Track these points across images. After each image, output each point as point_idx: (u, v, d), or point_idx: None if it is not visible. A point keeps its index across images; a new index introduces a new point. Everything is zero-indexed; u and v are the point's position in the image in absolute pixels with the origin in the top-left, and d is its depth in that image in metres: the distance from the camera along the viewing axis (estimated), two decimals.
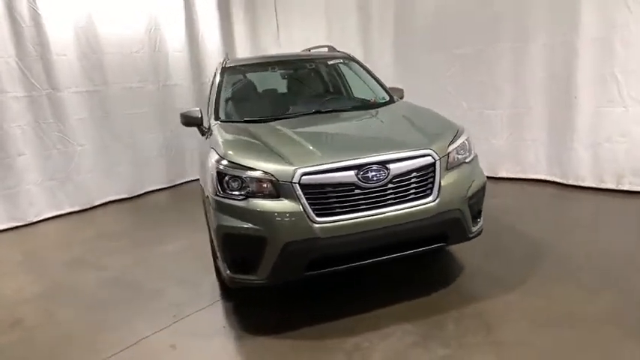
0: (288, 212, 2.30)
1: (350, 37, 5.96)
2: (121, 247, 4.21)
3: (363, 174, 2.36)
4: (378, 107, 3.43)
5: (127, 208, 5.65)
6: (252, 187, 2.39)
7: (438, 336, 2.33)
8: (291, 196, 2.32)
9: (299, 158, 2.43)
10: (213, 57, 6.75)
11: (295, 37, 6.86)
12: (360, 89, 3.90)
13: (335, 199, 2.34)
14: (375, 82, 3.83)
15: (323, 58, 4.14)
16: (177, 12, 6.30)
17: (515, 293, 2.69)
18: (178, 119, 6.25)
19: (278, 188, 2.35)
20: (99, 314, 3.01)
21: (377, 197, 2.39)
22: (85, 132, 5.59)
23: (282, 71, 4.01)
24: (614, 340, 2.18)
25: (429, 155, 2.49)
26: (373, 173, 2.37)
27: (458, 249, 3.29)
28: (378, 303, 2.70)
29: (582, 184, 4.38)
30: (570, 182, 4.47)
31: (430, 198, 2.46)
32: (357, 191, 2.36)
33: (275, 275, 2.38)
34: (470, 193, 2.60)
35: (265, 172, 2.37)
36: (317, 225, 2.30)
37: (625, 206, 3.97)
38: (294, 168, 2.35)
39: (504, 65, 4.69)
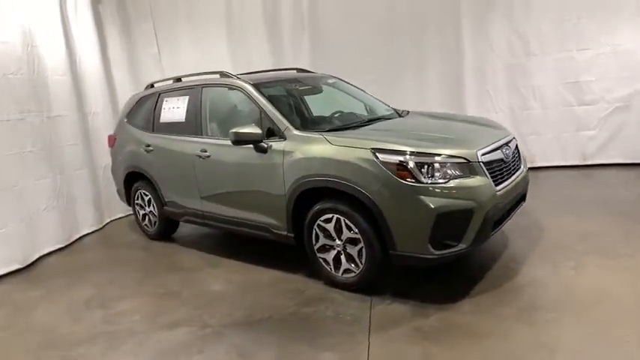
0: (484, 185, 2.84)
1: (259, 62, 6.20)
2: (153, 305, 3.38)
3: (505, 151, 3.13)
4: (406, 116, 4.13)
5: (39, 278, 4.21)
6: (450, 169, 2.80)
7: (562, 264, 3.26)
8: (479, 172, 2.86)
9: (463, 144, 2.98)
10: (94, 83, 5.73)
11: (183, 60, 6.55)
12: (358, 104, 4.44)
13: (497, 172, 3.01)
14: (375, 99, 4.51)
15: (321, 78, 4.50)
16: (54, 27, 5.12)
17: (557, 230, 3.86)
18: (67, 159, 5.26)
19: (467, 167, 2.84)
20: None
21: (510, 168, 3.19)
22: None
23: (302, 88, 4.16)
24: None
25: (514, 138, 3.48)
26: (509, 150, 3.18)
27: None
28: (485, 266, 3.39)
29: None
30: None
31: (522, 167, 3.44)
32: (502, 165, 3.10)
33: (476, 241, 2.83)
34: None
35: (458, 156, 2.83)
36: (497, 192, 2.92)
37: None
38: (475, 150, 2.90)
39: (410, 88, 6.09)
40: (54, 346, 2.97)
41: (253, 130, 3.41)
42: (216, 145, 3.88)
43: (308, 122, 3.69)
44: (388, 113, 4.19)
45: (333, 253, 3.22)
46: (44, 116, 4.89)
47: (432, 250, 2.77)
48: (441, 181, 2.77)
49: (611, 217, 3.96)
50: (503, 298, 2.89)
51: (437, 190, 2.74)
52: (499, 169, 3.04)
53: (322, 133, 3.26)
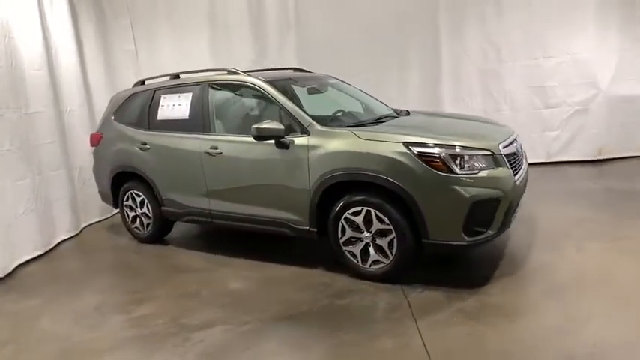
0: (507, 176, 3.07)
1: (243, 63, 6.13)
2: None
3: (517, 146, 3.40)
4: (412, 115, 4.28)
5: (26, 287, 3.90)
6: (478, 162, 2.99)
7: (565, 248, 3.57)
8: (503, 164, 3.09)
9: (486, 138, 3.20)
10: (70, 78, 5.36)
11: (162, 58, 6.34)
12: (363, 103, 4.55)
13: (511, 164, 3.26)
14: (374, 98, 4.66)
15: (322, 78, 4.57)
16: (30, 18, 4.75)
17: (550, 220, 4.22)
18: (45, 158, 4.96)
19: (493, 160, 3.05)
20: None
21: (520, 161, 3.46)
22: None
23: (308, 87, 4.20)
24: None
25: (517, 135, 3.77)
26: (518, 145, 3.45)
27: None
28: (495, 255, 3.64)
29: None
30: None
31: (524, 161, 3.74)
32: (515, 158, 3.36)
33: (502, 227, 3.05)
34: None
35: (485, 149, 3.04)
36: (516, 183, 3.17)
37: None
38: (497, 143, 3.13)
39: (392, 88, 6.31)
40: (76, 354, 2.79)
41: (276, 125, 3.43)
42: (230, 142, 3.83)
43: (325, 119, 3.75)
44: (390, 112, 4.35)
45: (361, 245, 3.30)
46: (22, 112, 4.54)
47: (465, 237, 2.96)
48: (472, 172, 2.96)
49: (591, 207, 4.41)
50: (524, 281, 3.14)
51: (469, 180, 2.93)
52: (513, 162, 3.30)
53: (349, 129, 3.35)
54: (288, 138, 3.47)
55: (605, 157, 6.08)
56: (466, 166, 2.97)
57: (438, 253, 3.18)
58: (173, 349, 2.73)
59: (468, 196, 2.89)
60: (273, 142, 3.51)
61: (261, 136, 3.46)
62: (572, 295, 2.87)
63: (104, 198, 5.10)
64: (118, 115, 4.80)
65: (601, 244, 3.58)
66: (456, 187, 2.91)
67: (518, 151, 3.42)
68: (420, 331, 2.63)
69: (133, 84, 4.87)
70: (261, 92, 3.75)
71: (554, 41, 5.97)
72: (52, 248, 4.82)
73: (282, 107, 3.60)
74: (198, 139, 4.01)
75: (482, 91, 6.28)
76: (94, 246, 4.95)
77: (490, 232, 3.01)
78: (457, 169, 2.93)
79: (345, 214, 3.29)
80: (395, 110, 4.47)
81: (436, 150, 2.96)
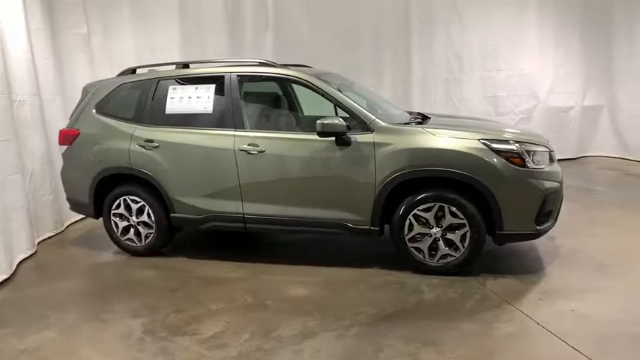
0: (559, 171, 3.41)
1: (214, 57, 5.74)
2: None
3: None
4: (440, 116, 4.41)
5: (16, 320, 3.09)
6: (544, 157, 3.28)
7: (579, 234, 4.08)
8: (554, 160, 3.43)
9: (538, 138, 3.52)
10: (21, 63, 4.40)
11: (120, 46, 5.60)
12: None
13: None
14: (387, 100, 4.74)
15: (340, 76, 4.48)
16: None
17: None
18: (3, 155, 4.04)
19: (549, 156, 3.37)
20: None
21: None
22: None
23: (337, 84, 4.07)
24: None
25: None
26: None
27: None
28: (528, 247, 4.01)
29: None
30: None
31: None
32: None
33: (556, 218, 3.38)
34: None
35: (545, 146, 3.35)
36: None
37: None
38: (548, 142, 3.46)
39: None
40: None
41: (339, 122, 3.30)
42: (275, 139, 3.56)
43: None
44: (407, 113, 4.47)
45: (429, 240, 3.34)
46: None
47: (536, 226, 3.21)
48: (540, 166, 3.24)
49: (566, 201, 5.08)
50: (572, 264, 3.49)
51: (540, 174, 3.20)
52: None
53: (420, 126, 3.39)
54: (351, 134, 3.36)
55: None
56: (535, 161, 3.23)
57: (509, 242, 3.39)
58: None
59: (542, 188, 3.16)
60: (332, 139, 3.37)
61: (324, 132, 3.30)
62: (618, 272, 3.29)
63: (77, 207, 4.30)
64: (103, 107, 4.09)
65: (605, 228, 4.17)
66: (532, 180, 3.15)
67: None
68: (527, 315, 2.77)
69: (86, 70, 4.16)
70: (312, 88, 3.57)
71: (504, 57, 6.79)
72: (20, 264, 3.94)
73: (339, 104, 3.48)
74: (231, 135, 3.63)
75: (445, 97, 6.83)
76: (68, 265, 4.09)
77: (551, 222, 3.32)
78: (532, 164, 3.18)
79: (415, 211, 3.30)
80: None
81: (514, 146, 3.17)
